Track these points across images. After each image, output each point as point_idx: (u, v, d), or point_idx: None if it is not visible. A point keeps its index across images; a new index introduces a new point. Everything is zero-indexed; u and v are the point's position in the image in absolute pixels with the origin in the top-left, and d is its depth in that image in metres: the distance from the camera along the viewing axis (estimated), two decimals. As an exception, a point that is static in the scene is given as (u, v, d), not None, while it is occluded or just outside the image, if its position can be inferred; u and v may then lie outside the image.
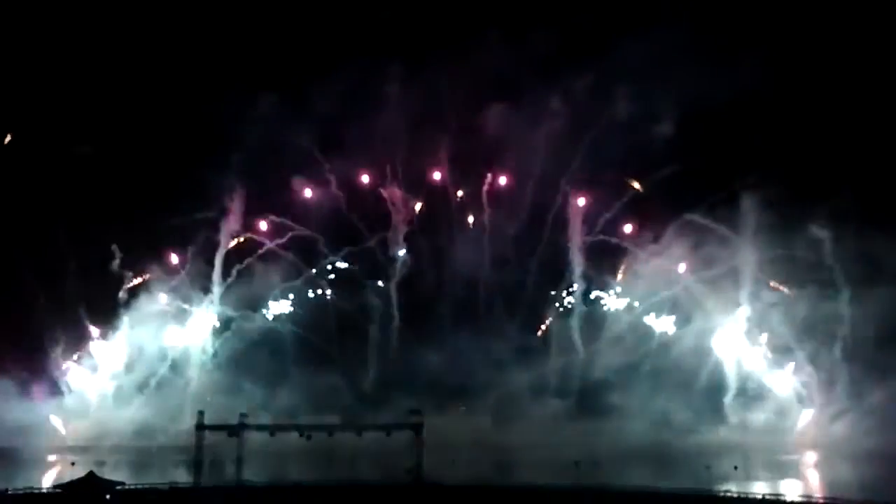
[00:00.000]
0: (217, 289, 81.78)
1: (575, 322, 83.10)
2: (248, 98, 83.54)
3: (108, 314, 79.65)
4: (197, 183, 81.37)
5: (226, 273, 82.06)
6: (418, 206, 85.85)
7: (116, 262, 79.91)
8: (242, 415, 58.89)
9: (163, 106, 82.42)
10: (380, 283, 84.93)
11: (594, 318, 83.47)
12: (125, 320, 79.33)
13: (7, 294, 76.41)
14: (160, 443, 72.37)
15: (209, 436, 60.07)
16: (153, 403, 76.26)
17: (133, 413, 75.69)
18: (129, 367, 78.67)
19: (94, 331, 79.57)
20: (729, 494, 51.58)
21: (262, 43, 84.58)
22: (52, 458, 66.54)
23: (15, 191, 78.57)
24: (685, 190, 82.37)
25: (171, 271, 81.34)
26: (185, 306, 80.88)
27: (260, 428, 59.20)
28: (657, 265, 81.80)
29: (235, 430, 58.03)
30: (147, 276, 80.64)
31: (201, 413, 58.58)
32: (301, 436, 59.81)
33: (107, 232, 79.64)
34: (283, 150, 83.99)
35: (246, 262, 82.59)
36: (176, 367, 78.87)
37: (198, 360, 79.64)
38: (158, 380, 77.97)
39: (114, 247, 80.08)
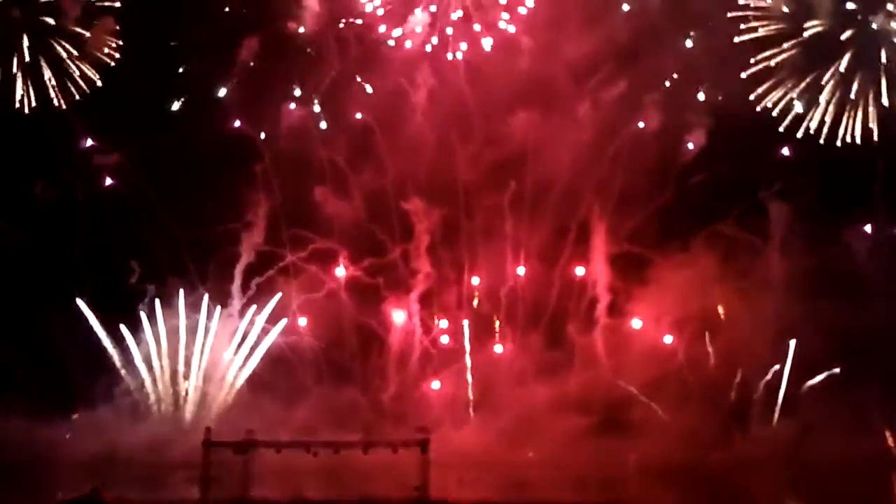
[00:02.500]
0: (237, 303, 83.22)
1: (598, 335, 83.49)
2: (271, 107, 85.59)
3: (126, 328, 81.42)
4: (218, 194, 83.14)
5: (245, 286, 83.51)
6: (441, 218, 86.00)
7: (134, 278, 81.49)
8: (249, 431, 60.13)
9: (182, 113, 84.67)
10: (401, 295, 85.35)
11: (620, 331, 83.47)
12: (143, 334, 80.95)
13: (22, 308, 78.79)
14: (170, 459, 73.89)
15: (220, 453, 61.22)
16: (168, 419, 77.87)
17: (146, 429, 77.45)
18: (147, 382, 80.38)
19: (111, 345, 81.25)
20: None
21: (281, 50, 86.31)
22: (59, 473, 68.44)
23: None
24: (714, 199, 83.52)
25: (191, 285, 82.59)
26: (205, 320, 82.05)
27: (266, 444, 60.40)
28: (685, 276, 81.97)
29: (242, 447, 59.26)
30: (166, 291, 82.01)
31: (208, 429, 59.96)
32: (308, 452, 60.96)
33: (126, 244, 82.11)
34: (307, 160, 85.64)
35: (266, 275, 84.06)
36: (194, 382, 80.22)
37: (216, 375, 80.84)
38: (176, 395, 79.50)
39: (133, 262, 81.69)
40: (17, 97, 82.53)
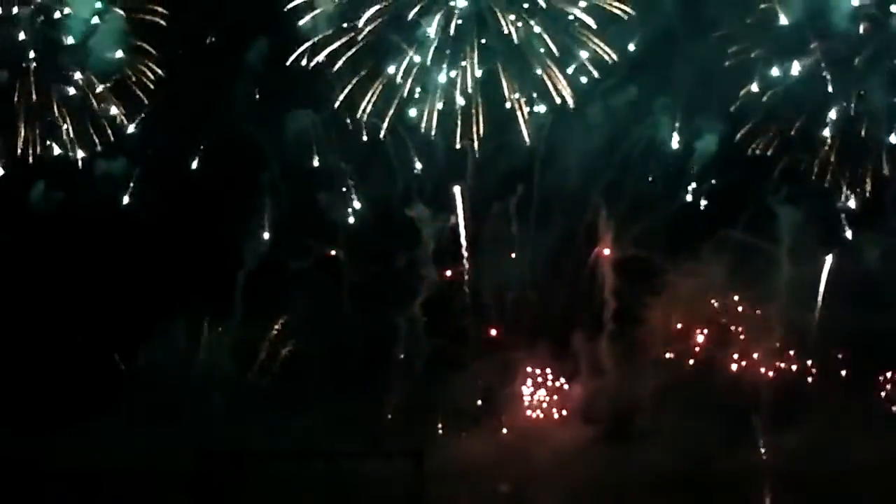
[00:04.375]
0: (239, 310, 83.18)
1: (605, 343, 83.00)
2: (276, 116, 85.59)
3: (127, 339, 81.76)
4: (222, 203, 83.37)
5: (248, 294, 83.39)
6: (447, 225, 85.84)
7: (134, 287, 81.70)
8: (242, 442, 60.33)
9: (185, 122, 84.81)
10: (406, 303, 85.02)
11: (626, 338, 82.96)
12: (144, 345, 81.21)
13: (18, 318, 79.33)
14: (164, 471, 73.91)
15: (215, 464, 61.39)
16: (167, 431, 77.88)
17: (143, 441, 77.47)
18: (146, 391, 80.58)
19: (113, 356, 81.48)
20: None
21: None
22: (51, 485, 68.83)
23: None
24: (723, 204, 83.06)
25: (193, 293, 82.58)
26: (205, 329, 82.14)
27: (259, 455, 60.54)
28: (694, 282, 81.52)
29: (234, 458, 59.46)
30: (166, 300, 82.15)
31: (201, 440, 60.15)
32: (300, 463, 61.07)
33: (125, 254, 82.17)
34: (311, 167, 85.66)
35: (269, 282, 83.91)
36: (195, 392, 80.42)
37: (218, 385, 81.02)
38: (176, 407, 79.70)
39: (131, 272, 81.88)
40: (21, 142, 77.57)
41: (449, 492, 65.88)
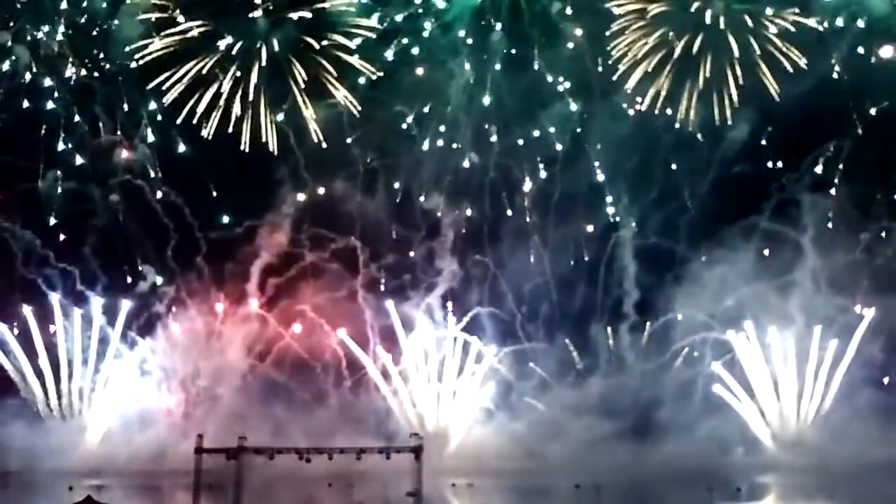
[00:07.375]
0: (253, 304, 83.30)
1: (626, 335, 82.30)
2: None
3: (138, 333, 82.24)
4: (236, 195, 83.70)
5: (262, 288, 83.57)
6: (464, 216, 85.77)
7: (147, 284, 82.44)
8: (241, 438, 60.31)
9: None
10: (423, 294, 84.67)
11: (648, 330, 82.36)
12: (157, 340, 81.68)
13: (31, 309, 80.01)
14: (169, 466, 74.25)
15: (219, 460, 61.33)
16: (178, 427, 78.29)
17: (151, 436, 77.96)
18: (157, 389, 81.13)
19: (122, 350, 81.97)
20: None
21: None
22: (52, 482, 69.44)
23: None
24: (750, 191, 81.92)
25: (207, 288, 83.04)
26: (220, 324, 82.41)
27: (258, 451, 60.48)
28: (718, 273, 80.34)
29: (234, 454, 59.48)
30: (181, 292, 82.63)
31: (200, 437, 60.23)
32: (300, 458, 60.94)
33: (140, 246, 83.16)
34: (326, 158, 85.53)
35: (284, 276, 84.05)
36: (208, 387, 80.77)
37: (232, 381, 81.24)
38: (187, 402, 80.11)
39: (144, 268, 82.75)
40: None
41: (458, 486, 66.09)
